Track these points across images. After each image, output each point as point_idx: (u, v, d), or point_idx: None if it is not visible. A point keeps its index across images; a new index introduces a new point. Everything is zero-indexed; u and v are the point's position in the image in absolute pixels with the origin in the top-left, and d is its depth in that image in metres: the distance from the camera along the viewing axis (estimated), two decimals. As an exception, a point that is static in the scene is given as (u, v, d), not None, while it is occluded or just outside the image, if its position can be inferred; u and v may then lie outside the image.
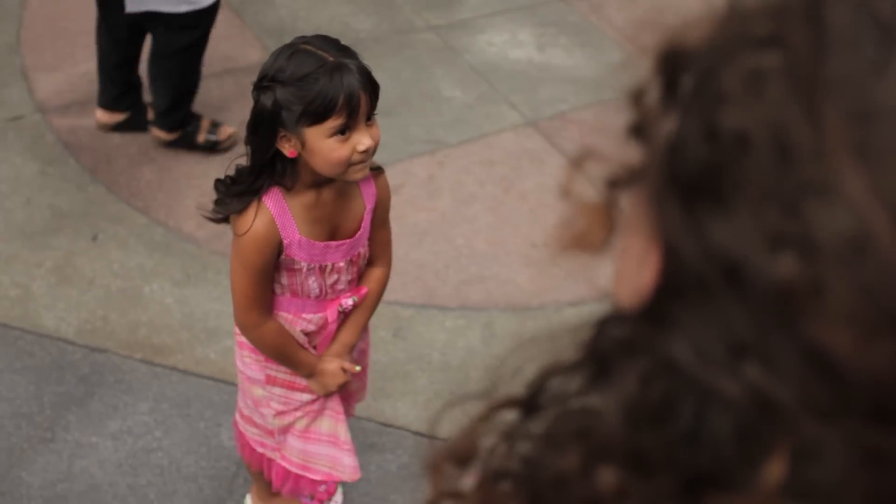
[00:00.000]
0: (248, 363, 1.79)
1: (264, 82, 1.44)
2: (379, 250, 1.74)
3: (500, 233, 3.07)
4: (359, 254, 1.67)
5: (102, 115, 3.18)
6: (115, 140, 3.20)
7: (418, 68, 3.75)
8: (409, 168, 3.26)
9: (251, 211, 1.51)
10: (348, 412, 2.00)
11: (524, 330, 2.72)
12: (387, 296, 2.69)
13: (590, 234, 0.42)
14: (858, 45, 0.34)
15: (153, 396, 2.46)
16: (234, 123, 3.19)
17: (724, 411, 0.37)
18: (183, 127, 3.13)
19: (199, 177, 3.11)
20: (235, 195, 1.52)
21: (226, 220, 1.56)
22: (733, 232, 0.36)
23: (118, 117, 3.18)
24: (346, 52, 1.47)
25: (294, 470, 1.91)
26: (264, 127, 1.44)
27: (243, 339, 1.74)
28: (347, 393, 1.91)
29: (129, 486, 2.27)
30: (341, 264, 1.64)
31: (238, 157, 1.57)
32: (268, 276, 1.59)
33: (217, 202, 1.55)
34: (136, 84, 3.17)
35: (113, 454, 2.33)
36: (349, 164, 1.48)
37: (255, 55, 3.66)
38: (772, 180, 0.35)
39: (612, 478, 0.40)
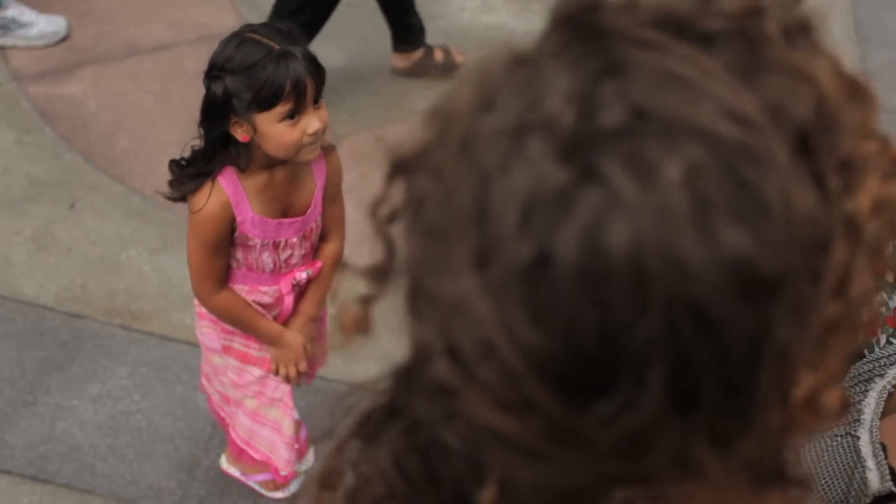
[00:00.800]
0: (206, 333, 1.89)
1: (214, 71, 1.52)
2: (331, 226, 1.82)
3: (469, 199, 3.15)
4: (311, 229, 1.76)
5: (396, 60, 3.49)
6: (90, 108, 3.25)
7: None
8: (382, 135, 3.33)
9: (206, 190, 1.60)
10: (310, 376, 2.10)
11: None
12: (358, 262, 2.77)
13: (352, 327, 0.52)
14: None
15: (131, 361, 2.56)
16: (209, 91, 3.25)
17: (456, 455, 0.48)
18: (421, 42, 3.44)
19: (175, 144, 3.14)
20: (190, 177, 1.60)
21: (183, 198, 1.64)
22: (423, 338, 0.46)
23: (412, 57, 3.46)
24: (292, 39, 1.54)
25: (238, 443, 2.03)
26: (216, 114, 1.53)
27: (202, 310, 1.84)
28: (311, 359, 2.01)
29: (108, 447, 2.38)
30: (294, 240, 1.72)
31: (193, 140, 1.64)
32: (221, 249, 1.68)
33: (172, 183, 1.63)
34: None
35: (93, 416, 2.43)
36: (300, 146, 1.56)
37: (229, 21, 3.69)
38: (453, 304, 0.44)
39: None
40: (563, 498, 0.46)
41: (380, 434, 0.52)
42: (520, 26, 3.93)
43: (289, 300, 1.80)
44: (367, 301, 0.50)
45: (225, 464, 2.33)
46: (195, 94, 3.36)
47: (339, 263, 1.88)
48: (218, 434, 2.39)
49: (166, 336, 2.62)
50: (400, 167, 0.48)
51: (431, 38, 3.81)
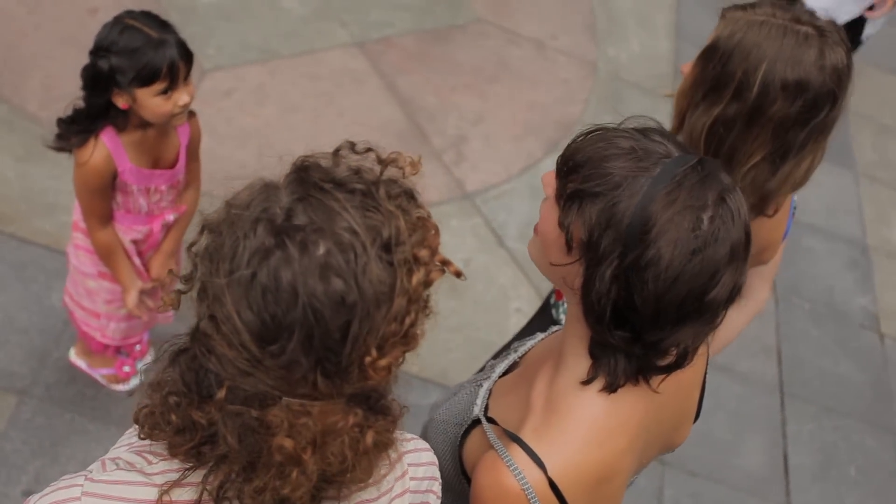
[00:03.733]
0: (82, 260, 2.25)
1: (100, 52, 1.85)
2: (192, 177, 2.22)
3: (316, 143, 3.46)
4: (178, 181, 2.14)
5: None
6: (-38, 11, 3.39)
7: (262, -24, 4.06)
8: (243, 74, 3.64)
9: (90, 145, 1.94)
10: (167, 315, 2.49)
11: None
12: (209, 190, 3.12)
13: (171, 304, 0.99)
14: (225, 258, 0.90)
15: (-9, 258, 2.84)
16: (83, 7, 3.43)
17: (210, 373, 0.95)
18: None
19: (46, 58, 3.38)
20: (75, 133, 1.93)
21: (68, 150, 1.98)
22: (200, 310, 0.92)
23: None
24: (166, 27, 1.89)
25: (115, 343, 2.42)
26: (101, 85, 1.86)
27: (80, 242, 2.19)
28: (171, 285, 2.40)
29: (-33, 334, 2.67)
30: (163, 187, 2.10)
31: (76, 99, 1.96)
32: (105, 193, 2.04)
33: (59, 136, 1.96)
34: None
35: (-47, 305, 2.71)
36: (172, 115, 1.92)
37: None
38: (215, 294, 0.89)
39: (173, 400, 0.99)
40: (260, 397, 0.93)
41: (177, 360, 1.00)
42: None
43: (156, 236, 2.21)
44: (180, 292, 0.97)
45: (73, 356, 2.67)
46: (68, 9, 3.58)
47: (196, 206, 2.27)
48: (69, 330, 2.73)
49: (26, 239, 2.91)
50: (205, 226, 0.94)
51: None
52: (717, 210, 1.05)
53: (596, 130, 1.13)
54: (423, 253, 0.92)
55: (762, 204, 1.58)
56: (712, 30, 1.57)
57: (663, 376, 1.17)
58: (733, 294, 1.09)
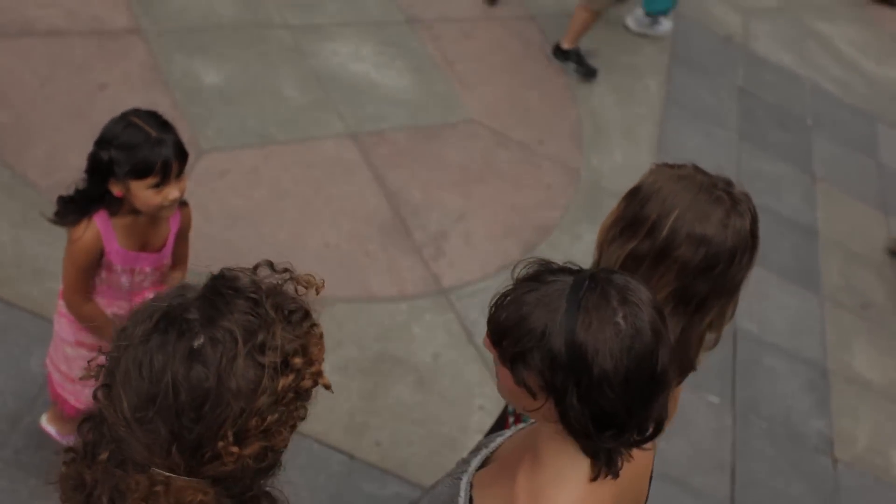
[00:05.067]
0: (63, 327, 2.36)
1: (103, 143, 2.00)
2: (179, 260, 2.36)
3: (301, 229, 3.68)
4: (164, 264, 2.28)
5: None
6: (-23, 77, 3.56)
7: (267, 64, 4.25)
8: (238, 157, 3.80)
9: (83, 225, 2.09)
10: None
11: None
12: (195, 267, 3.24)
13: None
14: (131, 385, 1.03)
15: (-24, 319, 2.93)
16: (93, 83, 3.61)
17: (106, 439, 1.07)
18: None
19: (52, 129, 3.53)
20: (72, 212, 2.07)
21: (64, 226, 2.12)
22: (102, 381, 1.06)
23: None
24: (166, 128, 2.04)
25: (83, 408, 2.51)
26: (99, 173, 2.01)
27: (63, 309, 2.30)
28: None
29: (-57, 391, 2.75)
30: (147, 269, 2.23)
31: (79, 180, 2.11)
32: (90, 271, 2.17)
33: (57, 213, 2.11)
34: None
35: (-67, 362, 2.80)
36: (161, 207, 2.06)
37: (122, 20, 4.06)
38: (109, 368, 1.07)
39: (70, 457, 1.12)
40: (134, 463, 1.04)
41: (83, 424, 1.13)
42: (382, 79, 4.48)
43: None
44: (88, 428, 1.10)
45: (44, 422, 2.74)
46: (79, 84, 3.76)
47: None
48: (43, 396, 2.81)
49: (12, 303, 3.01)
50: (116, 335, 1.06)
51: (301, 74, 4.29)
52: (625, 308, 1.22)
53: (502, 296, 1.30)
54: (297, 361, 1.04)
55: (688, 364, 1.76)
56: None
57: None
58: (673, 354, 1.26)
